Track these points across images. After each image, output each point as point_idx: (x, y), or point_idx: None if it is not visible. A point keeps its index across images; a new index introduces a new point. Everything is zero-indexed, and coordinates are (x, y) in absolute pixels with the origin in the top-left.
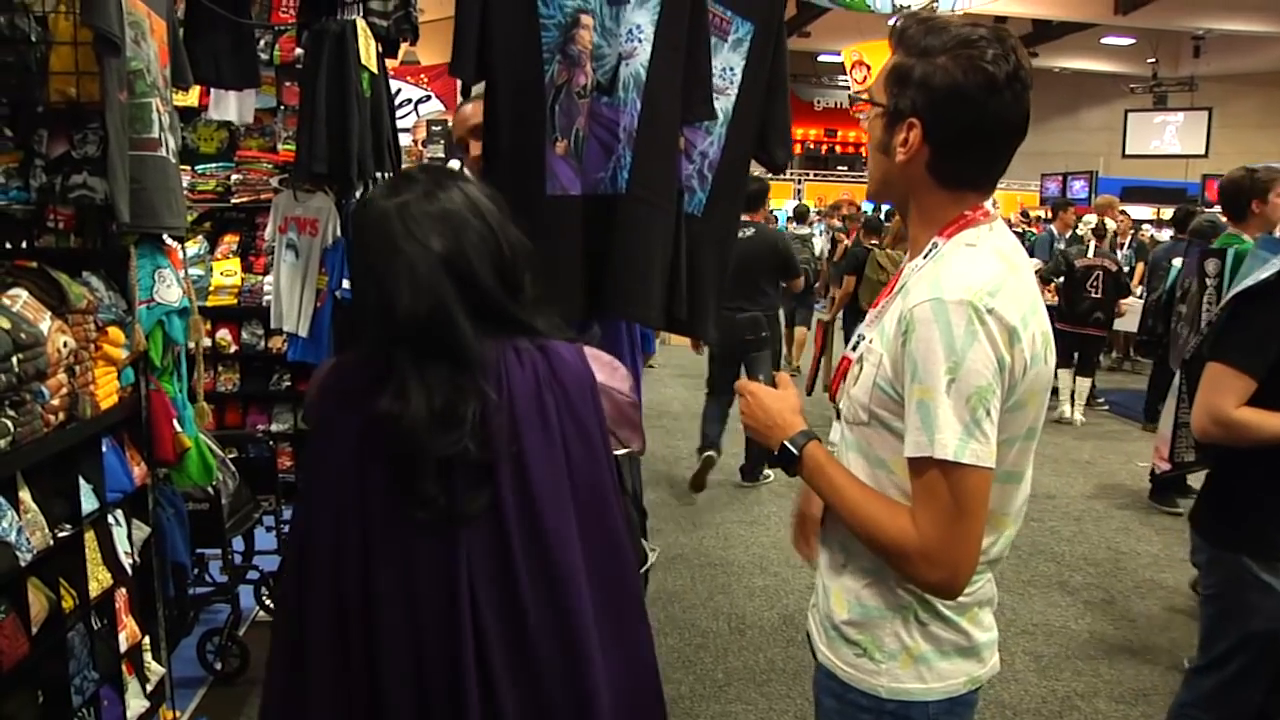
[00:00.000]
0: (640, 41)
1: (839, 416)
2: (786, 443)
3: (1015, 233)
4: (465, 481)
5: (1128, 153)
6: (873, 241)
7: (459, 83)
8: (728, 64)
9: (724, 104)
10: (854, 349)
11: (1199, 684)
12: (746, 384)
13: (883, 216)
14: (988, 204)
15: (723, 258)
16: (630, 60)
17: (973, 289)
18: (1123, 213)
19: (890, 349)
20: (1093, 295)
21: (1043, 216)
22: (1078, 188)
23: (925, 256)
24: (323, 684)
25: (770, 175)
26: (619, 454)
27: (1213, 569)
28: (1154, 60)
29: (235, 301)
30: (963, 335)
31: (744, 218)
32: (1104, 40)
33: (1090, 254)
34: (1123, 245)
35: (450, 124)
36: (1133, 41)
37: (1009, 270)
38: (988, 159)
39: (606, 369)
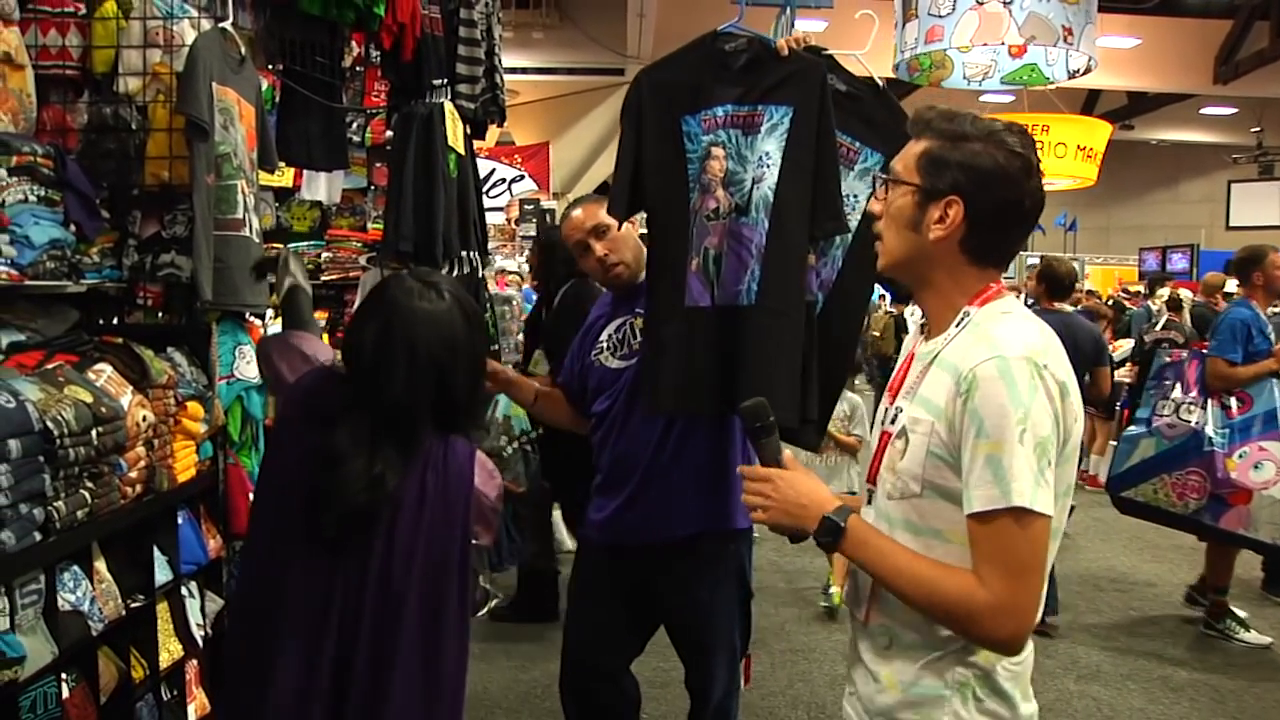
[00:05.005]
0: (768, 167)
1: (869, 501)
2: (830, 516)
3: (1110, 305)
4: (354, 522)
5: (1232, 224)
6: None
7: (551, 163)
8: (852, 190)
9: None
10: (893, 422)
11: None
12: (767, 470)
13: None
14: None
15: (831, 371)
16: (761, 184)
17: (1029, 347)
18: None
19: (945, 413)
20: None
21: (1141, 291)
22: (1177, 260)
23: (957, 325)
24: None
25: None
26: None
27: None
28: (1258, 129)
29: None
30: (1027, 389)
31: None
32: (1204, 110)
33: (1160, 326)
34: None
35: (560, 221)
36: (1234, 111)
37: (1049, 334)
38: (1015, 237)
39: (484, 475)
